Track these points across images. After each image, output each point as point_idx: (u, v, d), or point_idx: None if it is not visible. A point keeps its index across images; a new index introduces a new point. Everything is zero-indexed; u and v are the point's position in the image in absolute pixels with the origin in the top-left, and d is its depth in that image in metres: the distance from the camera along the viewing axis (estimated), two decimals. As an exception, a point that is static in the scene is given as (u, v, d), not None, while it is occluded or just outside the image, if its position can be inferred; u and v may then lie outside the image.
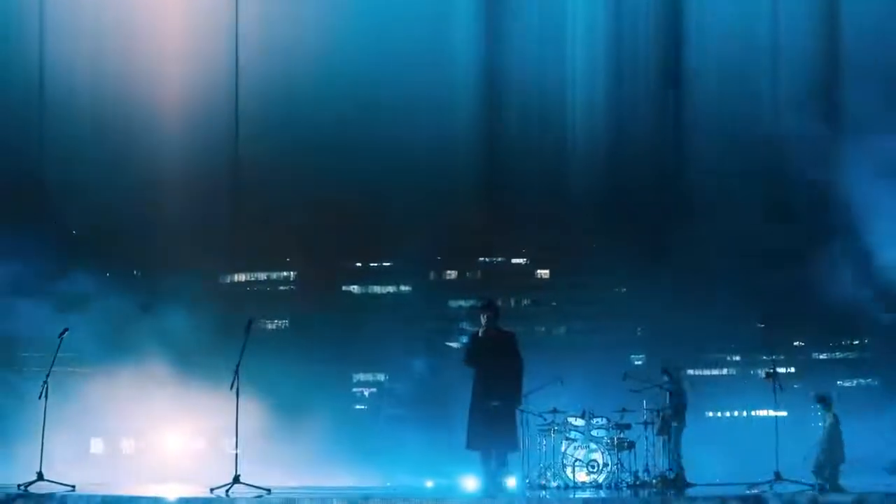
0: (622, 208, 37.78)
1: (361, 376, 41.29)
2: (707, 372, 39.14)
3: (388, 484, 16.55)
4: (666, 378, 17.26)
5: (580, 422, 16.54)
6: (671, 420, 16.91)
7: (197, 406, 20.12)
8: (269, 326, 43.51)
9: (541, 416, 16.54)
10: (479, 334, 14.01)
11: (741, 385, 36.37)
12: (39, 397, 14.51)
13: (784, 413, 33.88)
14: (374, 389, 41.30)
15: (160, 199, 31.64)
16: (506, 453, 13.99)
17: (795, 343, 40.47)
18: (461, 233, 44.01)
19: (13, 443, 20.01)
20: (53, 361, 14.18)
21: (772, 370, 16.32)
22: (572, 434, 16.37)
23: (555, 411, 16.53)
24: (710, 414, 27.14)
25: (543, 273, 48.93)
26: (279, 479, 16.51)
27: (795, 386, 39.72)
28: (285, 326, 42.86)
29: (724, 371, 40.78)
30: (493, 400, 13.74)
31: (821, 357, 40.76)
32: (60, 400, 19.59)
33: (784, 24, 32.93)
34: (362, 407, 38.21)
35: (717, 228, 36.29)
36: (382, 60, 34.59)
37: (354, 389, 40.34)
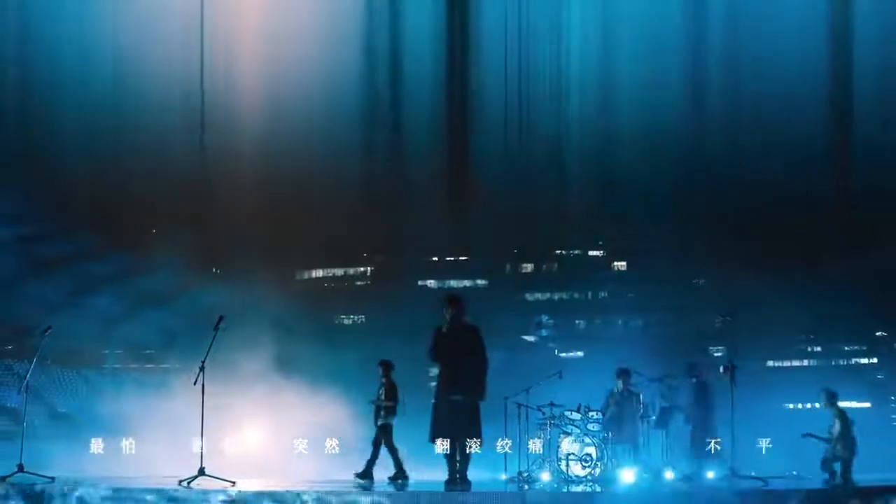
0: (699, 199, 37.43)
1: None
2: (788, 363, 38.67)
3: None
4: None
5: (577, 416, 16.41)
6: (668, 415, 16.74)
7: (282, 403, 20.28)
8: (346, 322, 43.77)
9: (539, 409, 16.46)
10: (444, 329, 13.87)
11: (823, 376, 35.84)
12: (19, 392, 14.62)
13: (867, 404, 33.45)
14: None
15: (237, 196, 32.00)
16: (470, 448, 13.88)
17: (878, 333, 39.82)
18: (537, 225, 43.95)
19: (93, 436, 20.37)
20: (36, 359, 14.22)
21: (731, 364, 16.04)
22: (568, 428, 16.26)
23: (552, 405, 16.46)
24: (790, 406, 26.69)
25: (620, 265, 48.61)
26: (340, 472, 16.65)
27: (879, 377, 39.22)
28: (362, 322, 43.04)
29: (805, 362, 40.24)
30: (456, 394, 13.62)
31: (905, 348, 40.03)
32: (147, 396, 19.90)
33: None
34: (440, 401, 38.19)
35: (795, 218, 35.85)
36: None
37: (432, 384, 40.38)
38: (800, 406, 35.44)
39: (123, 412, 20.00)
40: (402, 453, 15.49)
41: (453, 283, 46.37)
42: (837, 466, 16.44)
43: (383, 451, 15.84)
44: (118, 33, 29.46)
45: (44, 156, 28.52)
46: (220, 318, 13.54)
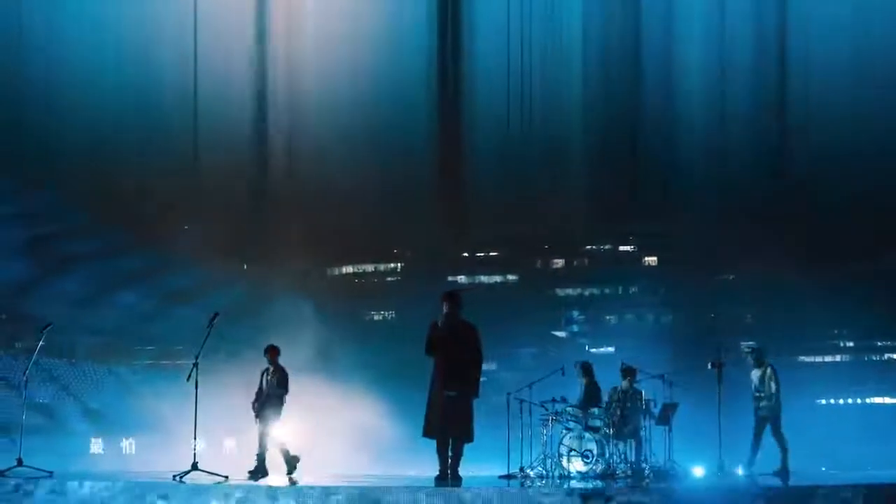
0: (730, 194, 37.32)
1: (469, 366, 41.29)
2: (820, 359, 38.37)
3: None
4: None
5: (578, 412, 16.34)
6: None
7: (311, 400, 20.28)
8: (376, 318, 43.82)
9: (542, 405, 16.39)
10: (439, 324, 13.82)
11: (856, 372, 35.61)
12: (17, 387, 14.73)
13: (896, 400, 33.20)
14: (483, 379, 41.08)
15: (266, 194, 32.16)
16: (462, 443, 13.83)
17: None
18: (568, 220, 43.92)
19: (126, 433, 20.52)
20: (35, 354, 14.30)
21: (718, 360, 15.87)
22: (570, 424, 16.19)
23: (554, 401, 16.38)
24: (823, 401, 26.51)
25: (651, 260, 48.47)
26: (374, 468, 16.62)
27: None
28: (392, 317, 43.06)
29: (838, 357, 39.91)
30: (450, 390, 13.59)
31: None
32: (178, 394, 20.00)
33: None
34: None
35: (826, 214, 35.70)
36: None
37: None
38: (832, 402, 35.28)
39: (154, 409, 20.06)
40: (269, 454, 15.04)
41: (483, 278, 46.39)
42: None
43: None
44: (148, 35, 29.67)
45: (68, 155, 28.75)
46: (215, 315, 13.50)
